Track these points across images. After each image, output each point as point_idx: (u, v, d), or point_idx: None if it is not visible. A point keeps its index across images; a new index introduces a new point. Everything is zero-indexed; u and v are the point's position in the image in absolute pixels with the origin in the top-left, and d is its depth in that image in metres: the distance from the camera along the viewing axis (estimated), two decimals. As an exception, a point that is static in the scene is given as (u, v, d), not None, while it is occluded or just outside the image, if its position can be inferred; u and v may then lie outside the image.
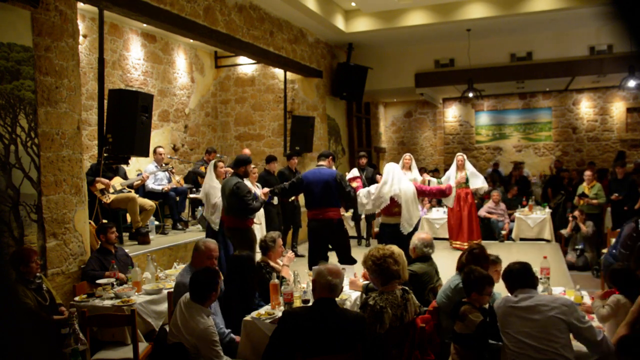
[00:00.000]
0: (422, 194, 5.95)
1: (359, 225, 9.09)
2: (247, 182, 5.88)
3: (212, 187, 6.15)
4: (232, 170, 5.90)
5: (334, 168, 5.92)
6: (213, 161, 6.56)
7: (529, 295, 2.98)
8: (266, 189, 5.90)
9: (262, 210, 6.71)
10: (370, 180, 8.15)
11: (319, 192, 5.52)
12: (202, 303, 3.22)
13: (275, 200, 7.30)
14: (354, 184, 5.96)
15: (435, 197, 6.69)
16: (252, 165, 6.45)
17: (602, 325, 3.33)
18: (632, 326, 2.92)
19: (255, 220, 5.99)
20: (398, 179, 5.60)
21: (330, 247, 5.74)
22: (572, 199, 9.29)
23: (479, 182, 8.24)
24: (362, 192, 5.81)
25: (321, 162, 5.83)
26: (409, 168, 8.03)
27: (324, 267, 3.12)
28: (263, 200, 5.73)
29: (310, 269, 5.04)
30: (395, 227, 5.54)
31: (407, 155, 8.22)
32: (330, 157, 5.89)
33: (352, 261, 5.40)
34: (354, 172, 6.61)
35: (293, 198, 7.62)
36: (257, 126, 10.81)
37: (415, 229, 5.67)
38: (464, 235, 8.03)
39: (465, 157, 8.27)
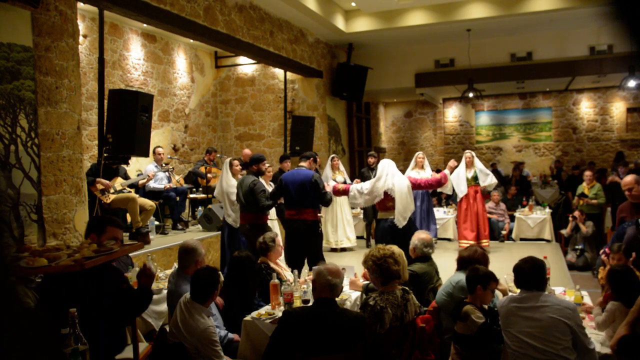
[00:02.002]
0: (417, 187, 5.93)
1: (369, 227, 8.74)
2: (261, 180, 6.08)
3: (230, 186, 6.27)
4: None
5: (314, 169, 5.99)
6: (228, 159, 6.63)
7: (534, 295, 2.96)
8: None
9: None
10: None
11: (296, 193, 5.64)
12: (203, 302, 3.22)
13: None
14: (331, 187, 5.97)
15: (432, 188, 6.65)
16: (267, 165, 6.61)
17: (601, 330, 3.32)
18: (632, 326, 2.92)
19: (270, 216, 6.32)
20: (392, 174, 5.65)
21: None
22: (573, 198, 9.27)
23: (488, 179, 7.89)
24: (354, 188, 5.82)
25: (302, 163, 5.92)
26: (422, 167, 7.97)
27: (324, 267, 3.11)
28: (274, 202, 5.95)
29: (290, 267, 5.00)
30: (390, 222, 5.57)
31: (420, 154, 8.11)
32: (311, 159, 5.98)
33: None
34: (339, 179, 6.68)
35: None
36: (257, 126, 10.80)
37: (416, 227, 5.66)
38: (472, 235, 7.68)
39: (474, 154, 7.95)
